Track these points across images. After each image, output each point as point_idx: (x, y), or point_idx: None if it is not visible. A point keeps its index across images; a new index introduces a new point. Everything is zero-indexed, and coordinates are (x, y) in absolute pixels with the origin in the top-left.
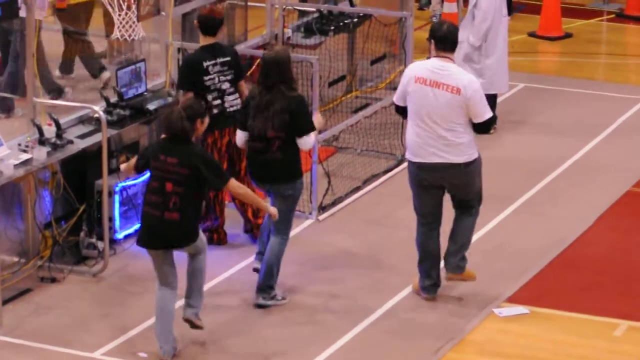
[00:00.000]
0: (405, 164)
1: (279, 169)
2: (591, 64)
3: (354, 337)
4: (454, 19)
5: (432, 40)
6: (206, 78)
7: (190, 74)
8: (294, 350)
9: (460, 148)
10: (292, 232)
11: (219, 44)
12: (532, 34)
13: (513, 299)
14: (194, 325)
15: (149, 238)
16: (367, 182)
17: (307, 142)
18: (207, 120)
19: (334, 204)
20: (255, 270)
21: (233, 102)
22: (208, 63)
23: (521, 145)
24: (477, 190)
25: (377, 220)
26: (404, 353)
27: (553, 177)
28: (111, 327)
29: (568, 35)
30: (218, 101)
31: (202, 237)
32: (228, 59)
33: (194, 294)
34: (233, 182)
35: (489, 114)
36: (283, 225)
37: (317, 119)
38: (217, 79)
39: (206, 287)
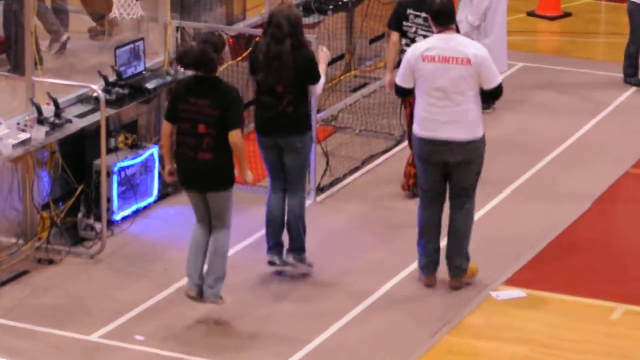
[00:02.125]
0: (404, 144)
1: (289, 123)
2: (590, 43)
3: (351, 320)
4: None
5: (430, 18)
6: (405, 23)
7: (397, 15)
8: (288, 331)
9: (467, 124)
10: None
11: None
12: (531, 13)
13: (510, 283)
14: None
15: (185, 179)
16: (365, 162)
17: (316, 90)
18: (224, 51)
19: (332, 184)
20: (271, 263)
21: None
22: (412, 12)
23: (519, 125)
24: (476, 175)
25: (375, 201)
26: (401, 336)
27: (551, 157)
28: (108, 309)
29: (567, 15)
30: (407, 48)
31: (231, 203)
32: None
33: (214, 274)
34: (239, 131)
35: (499, 79)
36: (299, 184)
37: (324, 53)
38: (414, 29)
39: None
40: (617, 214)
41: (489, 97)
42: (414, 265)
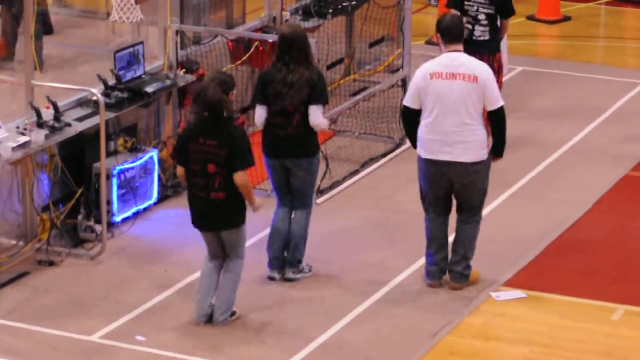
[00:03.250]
0: (403, 147)
1: (298, 145)
2: (589, 47)
3: (351, 320)
4: None
5: (438, 34)
6: (467, 2)
7: None
8: (289, 332)
9: (469, 146)
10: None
11: None
12: (530, 17)
13: (510, 283)
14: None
15: (198, 220)
16: (365, 165)
17: (316, 113)
18: (235, 92)
19: (332, 187)
20: (271, 279)
21: (482, 32)
22: None
23: (519, 128)
24: (482, 193)
25: (375, 204)
26: (402, 336)
27: (551, 160)
28: (109, 310)
29: (566, 18)
30: (469, 27)
31: (244, 236)
32: None
33: (224, 300)
34: (244, 173)
35: (501, 102)
36: (307, 200)
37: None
38: (476, 7)
39: None
40: (617, 216)
41: (496, 121)
42: (414, 267)
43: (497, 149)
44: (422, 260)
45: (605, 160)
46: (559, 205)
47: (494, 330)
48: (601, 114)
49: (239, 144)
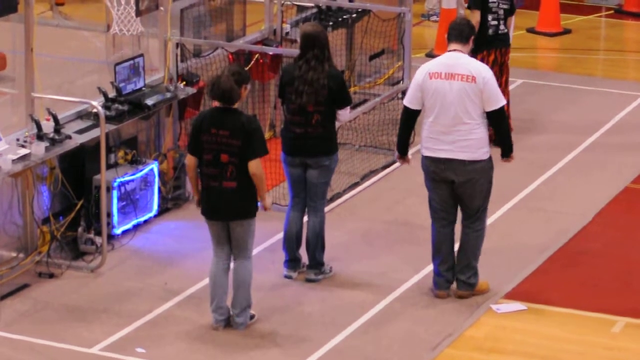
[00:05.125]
0: None
1: (318, 143)
2: (590, 59)
3: (352, 332)
4: (452, 15)
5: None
6: (491, 0)
7: None
8: (285, 343)
9: (469, 144)
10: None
11: None
12: (530, 30)
13: (511, 296)
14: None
15: (209, 209)
16: (365, 177)
17: (344, 114)
18: (249, 86)
19: (332, 199)
20: (288, 277)
21: (504, 27)
22: None
23: (520, 140)
24: (484, 196)
25: (376, 216)
26: (402, 348)
27: (552, 172)
28: (109, 322)
29: (567, 31)
30: (495, 23)
31: (253, 234)
32: None
33: (240, 305)
34: (259, 161)
35: (502, 102)
36: (320, 201)
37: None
38: (497, 3)
39: None
40: (618, 228)
41: (495, 121)
42: (415, 278)
43: (503, 150)
44: (424, 272)
45: (606, 172)
46: (559, 217)
47: (494, 343)
48: (602, 127)
49: (252, 133)
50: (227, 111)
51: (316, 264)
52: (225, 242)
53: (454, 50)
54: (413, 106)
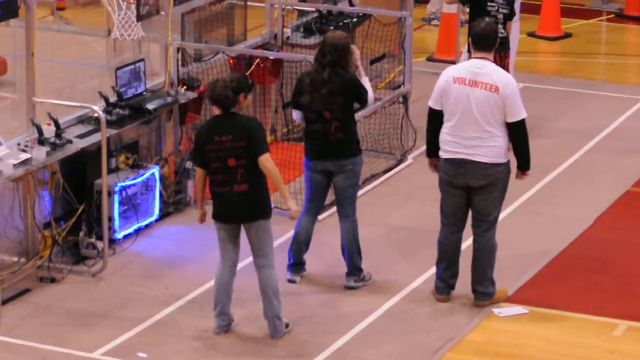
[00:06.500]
0: (405, 164)
1: (340, 148)
2: (590, 64)
3: (352, 337)
4: (453, 20)
5: (470, 39)
6: (489, 3)
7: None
8: (285, 350)
9: (489, 150)
10: (291, 233)
11: None
12: (531, 34)
13: (512, 299)
14: None
15: (223, 214)
16: (366, 182)
17: (370, 103)
18: (250, 96)
19: (332, 203)
20: (291, 282)
21: (502, 31)
22: None
23: None
24: (498, 203)
25: (376, 221)
26: (403, 352)
27: (552, 177)
28: (110, 327)
29: (567, 35)
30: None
31: (272, 238)
32: None
33: (273, 313)
34: (268, 155)
35: (524, 114)
36: (350, 206)
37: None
38: (496, 7)
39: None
40: (618, 232)
41: (515, 132)
42: (416, 282)
43: (521, 163)
44: (424, 277)
45: (607, 177)
46: (560, 221)
47: (495, 347)
48: (602, 131)
49: (254, 132)
50: (226, 116)
51: (354, 269)
52: (234, 247)
53: (481, 57)
54: (438, 107)
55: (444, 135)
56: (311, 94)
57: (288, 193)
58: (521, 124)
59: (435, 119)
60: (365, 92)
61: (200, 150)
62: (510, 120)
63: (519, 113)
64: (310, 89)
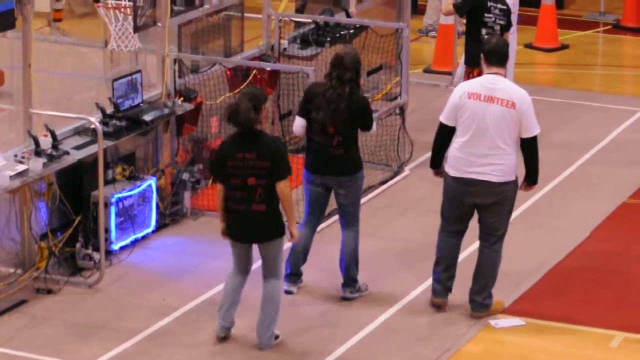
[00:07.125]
0: (401, 175)
1: (339, 164)
2: (587, 75)
3: (349, 348)
4: (450, 31)
5: (482, 55)
6: (487, 15)
7: (476, 8)
8: (287, 359)
9: (499, 168)
10: (287, 245)
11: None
12: (528, 45)
13: (509, 311)
14: None
15: (238, 233)
16: (363, 193)
17: (371, 133)
18: (266, 107)
19: (330, 215)
20: (289, 292)
21: None
22: (492, 3)
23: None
24: (506, 218)
25: (372, 232)
26: None
27: (549, 188)
28: (107, 338)
29: (564, 47)
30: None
31: (282, 253)
32: (505, 7)
33: (267, 322)
34: (287, 182)
35: (538, 129)
36: (352, 219)
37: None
38: (494, 19)
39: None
40: (615, 243)
41: (528, 148)
42: (414, 293)
43: (529, 178)
44: (421, 288)
45: (604, 188)
46: (557, 233)
47: (492, 358)
48: (599, 142)
49: (279, 154)
50: (250, 134)
51: (350, 280)
52: (247, 262)
53: (494, 73)
54: (450, 123)
55: (453, 151)
56: (325, 108)
57: (294, 216)
58: (535, 139)
59: (446, 134)
60: (372, 121)
61: (222, 166)
62: (525, 135)
63: (534, 129)
64: (325, 104)
